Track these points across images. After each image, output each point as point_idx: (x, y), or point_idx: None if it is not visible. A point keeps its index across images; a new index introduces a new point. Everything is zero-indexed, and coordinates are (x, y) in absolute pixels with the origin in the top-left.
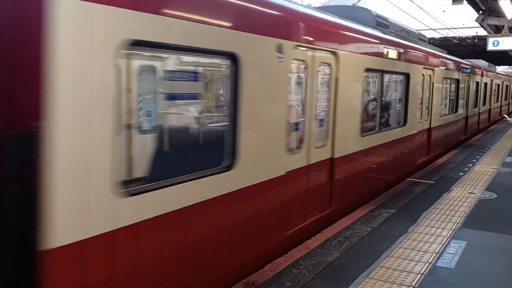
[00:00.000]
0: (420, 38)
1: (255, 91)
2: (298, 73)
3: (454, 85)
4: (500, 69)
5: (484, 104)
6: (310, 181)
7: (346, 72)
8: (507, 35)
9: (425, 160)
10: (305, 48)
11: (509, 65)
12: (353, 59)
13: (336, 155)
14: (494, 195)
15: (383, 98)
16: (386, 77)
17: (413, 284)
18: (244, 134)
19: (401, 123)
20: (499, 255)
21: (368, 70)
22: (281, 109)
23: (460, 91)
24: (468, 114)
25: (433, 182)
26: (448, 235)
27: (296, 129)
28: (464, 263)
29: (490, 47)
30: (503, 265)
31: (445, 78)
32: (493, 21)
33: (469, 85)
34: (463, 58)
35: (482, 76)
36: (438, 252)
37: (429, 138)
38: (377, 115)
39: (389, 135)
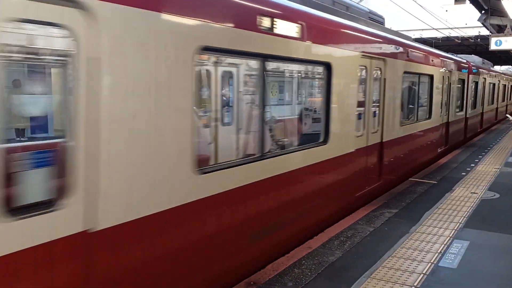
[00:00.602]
0: (372, 18)
1: None
2: None
3: (425, 83)
4: (503, 68)
5: (474, 106)
6: None
7: (139, 48)
8: (510, 35)
9: (373, 188)
10: None
11: (511, 65)
12: (162, 26)
13: (103, 225)
14: (497, 195)
15: (272, 101)
16: (274, 67)
17: (415, 284)
18: None
19: (319, 141)
20: (502, 255)
21: (211, 49)
22: None
23: (435, 91)
24: (450, 120)
25: (435, 182)
26: (450, 235)
27: (39, 165)
28: (467, 263)
29: (492, 46)
30: (506, 265)
31: (408, 73)
32: (496, 21)
33: (450, 84)
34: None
35: (470, 73)
36: (440, 252)
37: (381, 157)
38: (254, 132)
39: (286, 162)
